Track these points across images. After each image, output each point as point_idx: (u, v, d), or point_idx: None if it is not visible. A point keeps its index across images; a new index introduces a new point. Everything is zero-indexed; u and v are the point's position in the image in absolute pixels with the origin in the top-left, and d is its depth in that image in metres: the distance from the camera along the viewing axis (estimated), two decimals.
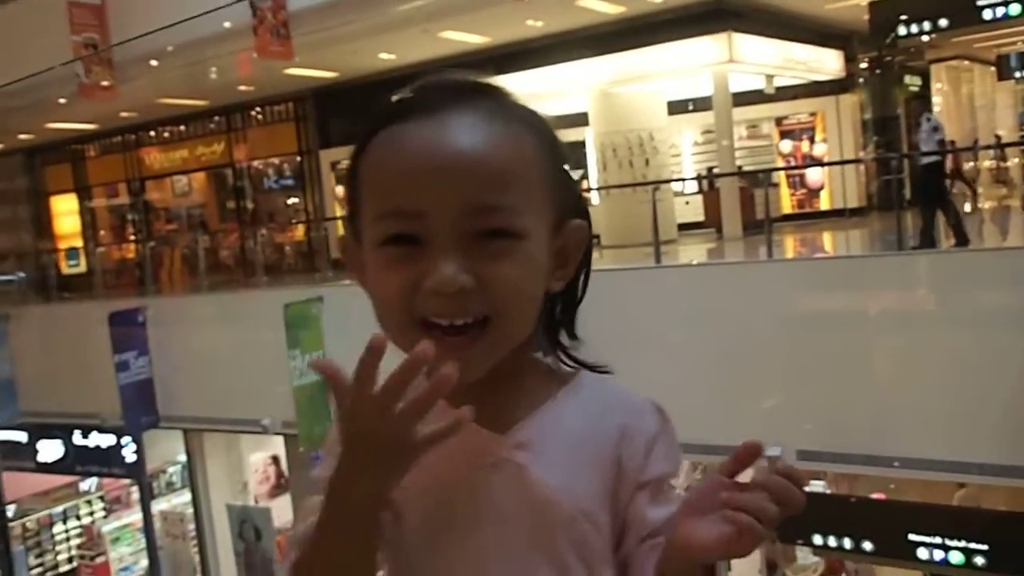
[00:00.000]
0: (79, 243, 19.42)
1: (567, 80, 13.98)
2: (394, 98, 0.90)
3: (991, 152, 16.18)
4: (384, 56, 14.68)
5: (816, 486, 9.11)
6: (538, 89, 14.44)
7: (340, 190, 17.38)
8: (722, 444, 7.47)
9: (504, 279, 0.80)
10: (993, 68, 20.81)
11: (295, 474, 10.64)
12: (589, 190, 14.96)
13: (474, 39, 14.01)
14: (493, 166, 0.82)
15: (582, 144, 15.13)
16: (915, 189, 10.32)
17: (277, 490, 11.32)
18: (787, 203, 15.74)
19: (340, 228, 15.86)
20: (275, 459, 11.41)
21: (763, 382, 6.86)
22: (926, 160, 9.79)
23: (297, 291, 10.11)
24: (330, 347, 9.16)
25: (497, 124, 0.83)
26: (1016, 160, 16.03)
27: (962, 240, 8.97)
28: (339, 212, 16.94)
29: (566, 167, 0.91)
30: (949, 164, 10.87)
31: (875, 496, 8.07)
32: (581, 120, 14.51)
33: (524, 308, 0.83)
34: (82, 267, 16.89)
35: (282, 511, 10.85)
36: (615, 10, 12.86)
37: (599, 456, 0.86)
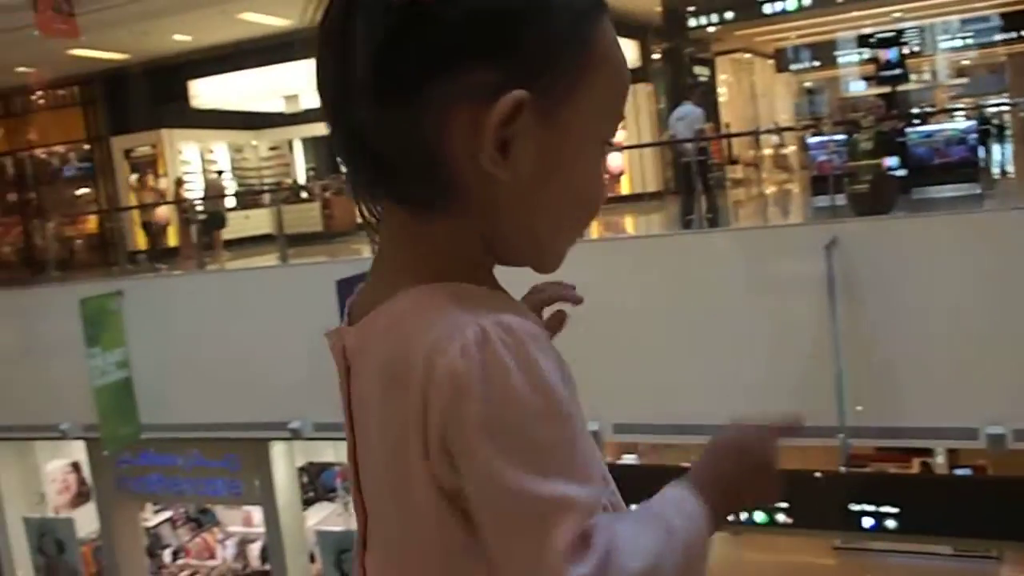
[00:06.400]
0: None
1: None
2: None
3: (773, 139, 17.39)
4: (179, 37, 14.04)
5: (629, 459, 9.58)
6: None
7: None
8: None
9: None
10: (772, 61, 22.41)
11: (99, 480, 10.05)
12: None
13: (275, 21, 13.65)
14: None
15: None
16: (680, 175, 11.02)
17: (79, 499, 10.65)
18: None
19: (137, 219, 15.07)
20: (75, 466, 10.73)
21: (576, 359, 7.12)
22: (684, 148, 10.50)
23: (93, 285, 9.54)
24: (133, 343, 8.73)
25: None
26: (793, 147, 17.32)
27: (713, 223, 9.70)
28: (134, 201, 16.07)
29: None
30: (715, 151, 11.58)
31: (684, 464, 8.58)
32: None
33: None
34: None
35: (86, 521, 10.25)
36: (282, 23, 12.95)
37: None
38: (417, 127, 0.77)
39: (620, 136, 17.03)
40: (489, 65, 0.75)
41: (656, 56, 16.99)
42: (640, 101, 16.56)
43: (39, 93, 16.26)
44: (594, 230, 12.11)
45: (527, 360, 0.71)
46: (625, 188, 16.65)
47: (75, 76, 15.69)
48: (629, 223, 13.94)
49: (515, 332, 0.72)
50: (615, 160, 16.96)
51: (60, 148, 16.81)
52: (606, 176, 0.87)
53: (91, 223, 15.98)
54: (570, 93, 0.78)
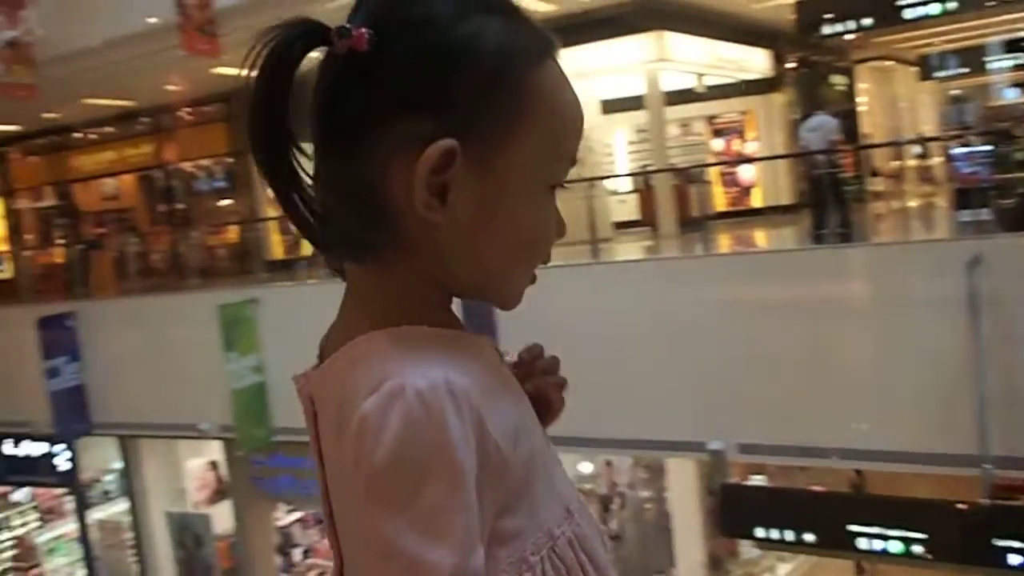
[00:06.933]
0: (3, 247, 18.85)
1: None
2: (538, 23, 0.84)
3: (915, 150, 16.65)
4: (313, 55, 14.50)
5: (757, 480, 9.30)
6: None
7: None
8: (664, 439, 7.53)
9: None
10: (914, 68, 21.45)
11: (235, 479, 10.49)
12: None
13: None
14: None
15: None
16: (812, 188, 10.64)
17: (216, 496, 11.15)
18: (721, 201, 15.99)
19: (274, 229, 15.68)
20: (213, 464, 11.24)
21: (703, 376, 6.98)
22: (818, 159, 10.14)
23: (232, 293, 9.96)
24: (268, 348, 9.06)
25: None
26: (939, 159, 16.57)
27: (846, 238, 9.33)
28: (272, 213, 16.70)
29: None
30: (848, 163, 11.12)
31: (815, 488, 8.25)
32: None
33: None
34: (7, 272, 16.42)
35: (221, 517, 10.71)
36: (546, 8, 12.92)
37: None
38: (358, 178, 0.78)
39: (752, 147, 16.67)
40: (422, 115, 0.76)
41: (790, 65, 16.53)
42: (773, 111, 16.15)
43: (185, 110, 17.12)
44: (723, 245, 11.89)
45: (437, 420, 0.70)
46: (757, 201, 16.25)
47: (218, 94, 16.44)
48: (760, 237, 13.59)
49: (436, 389, 0.71)
50: (746, 172, 16.59)
51: (205, 162, 17.67)
52: (558, 219, 0.85)
53: (232, 233, 16.70)
54: (506, 139, 0.78)
